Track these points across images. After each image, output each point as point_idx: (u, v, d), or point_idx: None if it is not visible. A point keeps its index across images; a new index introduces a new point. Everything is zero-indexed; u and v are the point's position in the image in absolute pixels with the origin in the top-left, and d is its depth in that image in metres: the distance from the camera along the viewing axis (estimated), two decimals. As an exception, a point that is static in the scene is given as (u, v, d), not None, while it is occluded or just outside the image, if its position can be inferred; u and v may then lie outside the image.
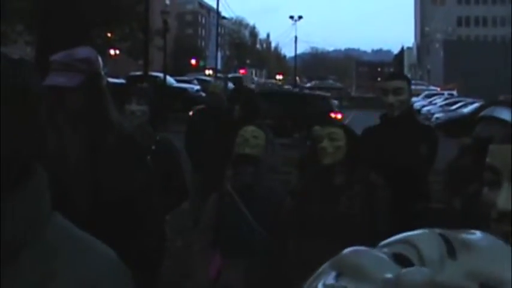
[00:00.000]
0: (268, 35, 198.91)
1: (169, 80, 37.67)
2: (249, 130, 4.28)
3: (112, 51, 49.93)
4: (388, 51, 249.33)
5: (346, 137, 3.90)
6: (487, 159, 1.52)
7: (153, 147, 4.55)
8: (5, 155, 1.06)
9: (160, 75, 35.69)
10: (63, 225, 1.23)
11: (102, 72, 3.29)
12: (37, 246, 1.14)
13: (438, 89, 65.49)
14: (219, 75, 60.95)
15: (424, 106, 46.02)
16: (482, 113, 4.40)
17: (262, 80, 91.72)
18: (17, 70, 1.13)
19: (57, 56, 3.16)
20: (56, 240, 1.17)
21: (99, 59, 3.28)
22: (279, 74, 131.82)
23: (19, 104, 1.10)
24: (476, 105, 32.10)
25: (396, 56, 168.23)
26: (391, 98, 4.65)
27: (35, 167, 1.17)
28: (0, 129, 1.06)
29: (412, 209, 4.24)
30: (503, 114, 4.20)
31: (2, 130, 1.06)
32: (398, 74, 5.16)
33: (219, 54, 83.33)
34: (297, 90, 45.14)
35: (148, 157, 4.07)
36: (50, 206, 1.22)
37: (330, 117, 20.92)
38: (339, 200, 3.81)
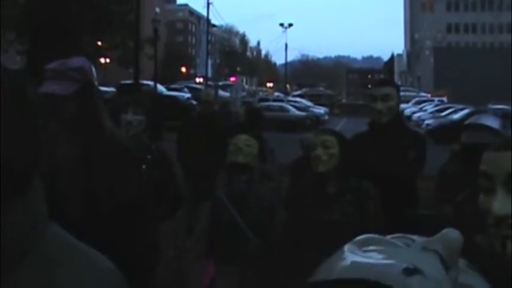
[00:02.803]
0: (258, 43, 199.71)
1: (160, 88, 37.71)
2: (242, 139, 4.28)
3: (102, 60, 49.90)
4: (378, 58, 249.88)
5: (339, 145, 3.91)
6: (481, 166, 1.55)
7: (149, 157, 4.55)
8: (2, 164, 1.06)
9: (151, 83, 35.73)
10: (62, 236, 1.23)
11: (96, 82, 3.31)
12: (36, 257, 1.14)
13: (428, 95, 65.66)
14: (209, 83, 61.00)
15: (414, 112, 46.17)
16: (467, 121, 4.43)
17: (253, 88, 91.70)
18: (15, 79, 1.13)
19: (51, 65, 3.19)
20: (54, 250, 1.17)
21: (93, 69, 3.30)
22: (270, 81, 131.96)
23: (17, 112, 1.10)
24: (466, 111, 32.21)
25: (386, 63, 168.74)
26: (379, 105, 4.65)
27: (32, 177, 1.17)
28: None
29: (401, 215, 4.24)
30: (489, 121, 4.23)
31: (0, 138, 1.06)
32: (387, 81, 5.15)
33: (210, 62, 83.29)
34: None
35: (144, 166, 4.07)
36: (47, 217, 1.22)
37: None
38: (331, 208, 3.82)
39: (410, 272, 0.89)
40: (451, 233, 1.01)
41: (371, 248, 1.01)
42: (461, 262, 1.01)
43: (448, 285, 0.92)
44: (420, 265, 0.91)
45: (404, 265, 0.91)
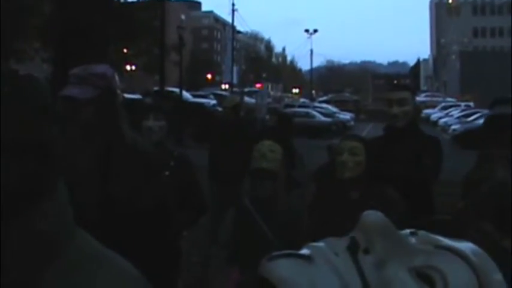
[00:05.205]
0: (283, 49, 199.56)
1: (186, 95, 37.80)
2: (266, 144, 4.26)
3: (128, 67, 50.15)
4: (404, 63, 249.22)
5: (366, 152, 3.87)
6: None
7: (171, 163, 4.55)
8: (26, 171, 1.06)
9: (177, 90, 35.84)
10: (88, 242, 1.23)
11: (118, 90, 3.31)
12: (62, 263, 1.14)
13: (455, 100, 65.23)
14: (235, 89, 61.16)
15: (440, 118, 45.86)
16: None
17: (279, 94, 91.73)
18: (39, 90, 1.13)
19: (74, 70, 3.21)
20: (80, 256, 1.17)
21: (116, 76, 3.31)
22: (295, 87, 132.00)
23: (37, 120, 1.10)
24: (493, 116, 31.92)
25: (412, 68, 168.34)
26: (395, 109, 4.64)
27: (54, 182, 1.16)
28: (19, 147, 1.05)
29: (416, 221, 4.18)
30: None
31: (23, 148, 1.06)
32: (403, 85, 5.14)
33: (235, 68, 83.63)
34: None
35: (167, 173, 4.06)
36: (72, 223, 1.21)
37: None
38: (354, 214, 3.77)
39: (272, 258, 0.96)
40: (368, 216, 1.02)
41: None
42: (430, 242, 0.99)
43: (348, 269, 0.94)
44: (315, 253, 0.97)
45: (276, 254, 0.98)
